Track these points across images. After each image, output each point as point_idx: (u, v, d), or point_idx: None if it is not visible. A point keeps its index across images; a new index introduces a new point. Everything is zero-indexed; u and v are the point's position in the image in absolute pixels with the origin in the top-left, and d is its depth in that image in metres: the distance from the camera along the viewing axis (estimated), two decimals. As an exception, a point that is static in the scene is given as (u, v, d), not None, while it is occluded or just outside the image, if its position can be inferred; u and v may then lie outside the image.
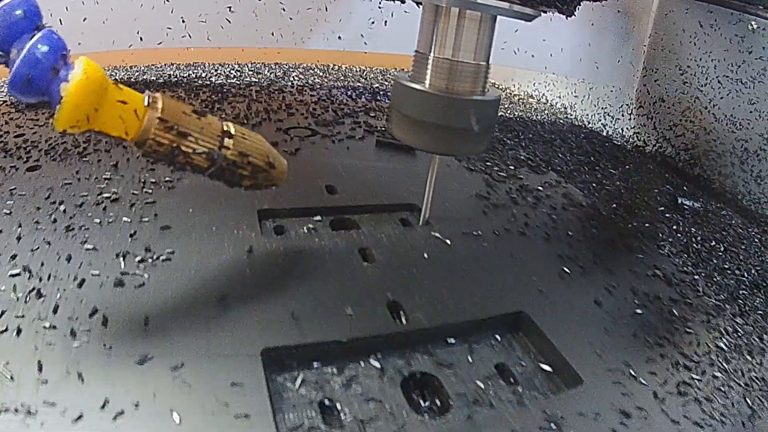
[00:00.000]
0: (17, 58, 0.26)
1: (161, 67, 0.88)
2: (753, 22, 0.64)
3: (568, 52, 0.90)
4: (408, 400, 0.28)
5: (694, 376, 0.32)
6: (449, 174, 0.55)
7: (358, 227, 0.43)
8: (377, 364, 0.30)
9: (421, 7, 0.38)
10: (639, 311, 0.38)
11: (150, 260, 0.35)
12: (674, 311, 0.39)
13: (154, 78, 0.81)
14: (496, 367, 0.31)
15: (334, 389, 0.28)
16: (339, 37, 0.85)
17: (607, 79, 0.89)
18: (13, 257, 0.34)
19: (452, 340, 0.33)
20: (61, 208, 0.41)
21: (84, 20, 0.66)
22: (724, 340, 0.36)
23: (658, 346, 0.34)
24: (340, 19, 0.83)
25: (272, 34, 0.80)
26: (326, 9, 0.82)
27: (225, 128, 0.31)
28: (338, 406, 0.27)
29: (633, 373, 0.31)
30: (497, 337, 0.34)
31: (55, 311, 0.30)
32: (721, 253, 0.50)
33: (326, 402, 0.27)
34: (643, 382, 0.31)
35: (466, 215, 0.48)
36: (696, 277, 0.44)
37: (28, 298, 0.31)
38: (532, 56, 0.89)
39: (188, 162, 0.30)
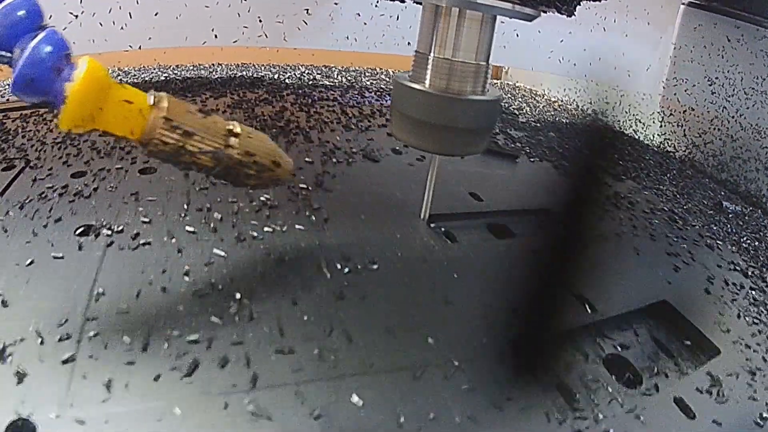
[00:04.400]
0: (20, 58, 0.26)
1: (161, 66, 0.87)
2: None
3: (604, 60, 0.92)
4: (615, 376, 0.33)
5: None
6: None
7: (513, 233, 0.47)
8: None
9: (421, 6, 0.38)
10: (734, 298, 0.45)
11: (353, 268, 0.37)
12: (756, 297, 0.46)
13: (156, 77, 0.80)
14: (657, 344, 0.38)
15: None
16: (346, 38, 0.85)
17: (637, 87, 0.93)
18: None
19: (625, 326, 0.39)
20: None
21: (83, 20, 0.66)
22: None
23: (755, 324, 0.42)
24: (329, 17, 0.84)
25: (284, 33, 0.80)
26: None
27: (230, 127, 0.31)
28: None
29: (747, 344, 0.39)
30: (650, 322, 0.40)
31: None
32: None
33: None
34: (756, 350, 0.39)
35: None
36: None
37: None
38: (571, 62, 0.92)
39: (193, 161, 0.29)
